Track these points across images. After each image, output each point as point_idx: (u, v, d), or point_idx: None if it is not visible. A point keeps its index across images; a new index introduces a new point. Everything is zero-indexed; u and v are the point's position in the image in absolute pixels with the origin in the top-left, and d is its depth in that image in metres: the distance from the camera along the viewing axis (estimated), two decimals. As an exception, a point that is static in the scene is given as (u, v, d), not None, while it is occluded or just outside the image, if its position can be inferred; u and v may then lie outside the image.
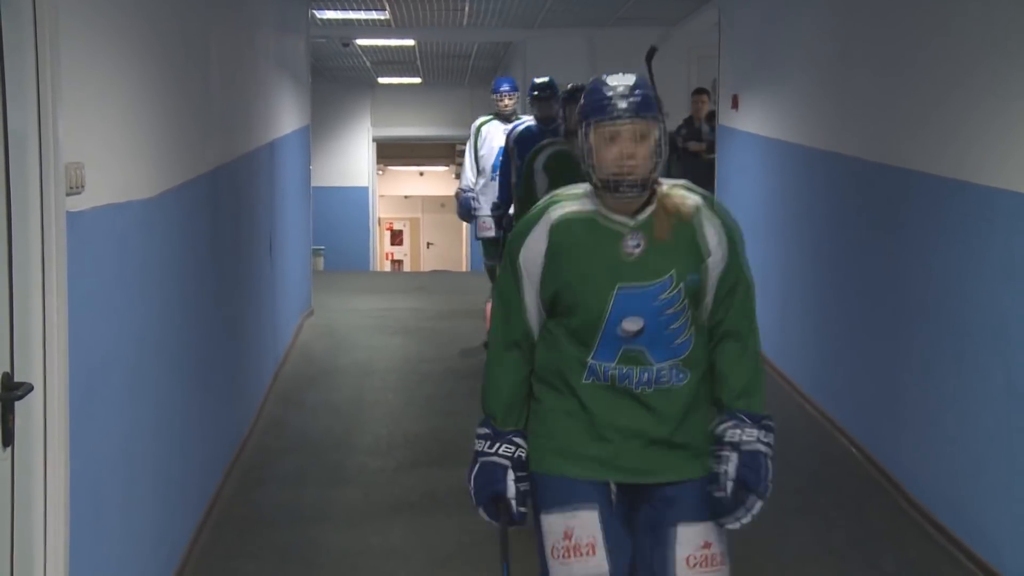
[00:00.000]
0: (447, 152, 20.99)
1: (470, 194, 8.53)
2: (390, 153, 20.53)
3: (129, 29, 3.68)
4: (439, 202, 23.60)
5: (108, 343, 3.36)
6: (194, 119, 4.70)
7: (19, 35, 2.73)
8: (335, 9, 10.57)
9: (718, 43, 9.14)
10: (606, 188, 2.70)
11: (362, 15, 10.92)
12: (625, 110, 2.69)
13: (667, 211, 2.73)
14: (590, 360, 2.75)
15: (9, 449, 2.72)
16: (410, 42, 12.89)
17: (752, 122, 8.16)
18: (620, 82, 2.74)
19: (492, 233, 7.95)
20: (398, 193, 24.11)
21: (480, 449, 2.85)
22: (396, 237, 24.68)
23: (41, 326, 2.81)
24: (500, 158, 7.64)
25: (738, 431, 2.74)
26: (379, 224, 20.75)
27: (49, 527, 2.85)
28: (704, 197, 2.81)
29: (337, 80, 16.58)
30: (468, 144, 8.63)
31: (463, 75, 16.77)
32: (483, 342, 7.74)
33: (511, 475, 2.80)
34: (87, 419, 3.08)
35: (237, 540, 4.78)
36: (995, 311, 4.36)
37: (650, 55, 9.45)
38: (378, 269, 19.23)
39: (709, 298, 2.77)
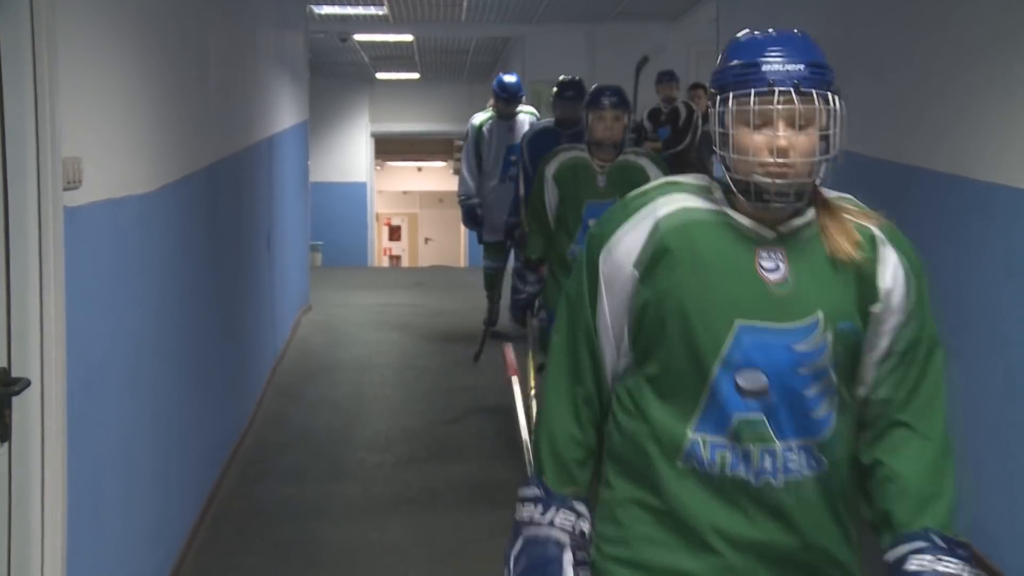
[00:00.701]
0: (445, 148, 20.97)
1: (474, 201, 7.89)
2: (388, 149, 20.53)
3: (127, 24, 3.67)
4: (437, 197, 23.61)
5: (106, 338, 3.35)
6: (192, 114, 4.69)
7: (16, 30, 2.72)
8: (333, 4, 10.57)
9: (716, 39, 9.13)
10: (744, 193, 1.89)
11: (360, 10, 10.92)
12: (781, 80, 1.86)
13: (846, 226, 1.96)
14: (690, 433, 1.91)
15: (6, 445, 2.71)
16: (408, 37, 12.89)
17: (750, 117, 8.14)
18: (778, 42, 1.90)
19: (500, 236, 7.45)
20: (396, 189, 24.12)
21: (526, 518, 2.03)
22: (394, 233, 24.67)
23: (38, 321, 2.80)
24: (513, 159, 7.06)
25: (927, 558, 1.88)
26: (377, 220, 20.74)
27: (46, 523, 2.84)
28: (883, 220, 2.01)
29: (335, 75, 16.56)
30: (466, 147, 7.96)
31: (461, 70, 16.76)
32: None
33: (569, 557, 1.99)
34: (85, 414, 3.08)
35: (236, 535, 4.78)
36: (994, 307, 4.36)
37: (640, 64, 9.42)
38: (376, 265, 19.21)
39: (872, 361, 1.96)
